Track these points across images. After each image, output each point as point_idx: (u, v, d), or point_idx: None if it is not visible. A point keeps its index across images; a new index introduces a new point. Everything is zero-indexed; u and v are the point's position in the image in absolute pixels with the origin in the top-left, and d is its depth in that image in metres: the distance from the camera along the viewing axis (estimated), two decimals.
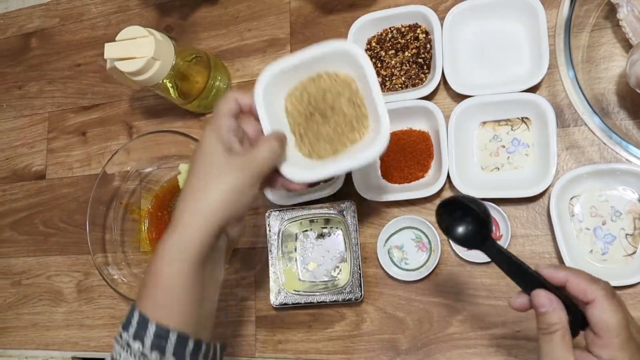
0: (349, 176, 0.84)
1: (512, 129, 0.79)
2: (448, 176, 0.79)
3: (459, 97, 0.80)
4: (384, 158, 0.85)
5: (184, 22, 1.01)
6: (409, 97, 0.81)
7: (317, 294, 0.84)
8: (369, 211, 0.85)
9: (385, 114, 0.63)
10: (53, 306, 1.02)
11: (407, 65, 0.85)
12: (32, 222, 1.06)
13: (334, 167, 0.65)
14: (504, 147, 0.80)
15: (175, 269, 0.57)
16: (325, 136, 0.66)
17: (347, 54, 0.64)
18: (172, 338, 0.57)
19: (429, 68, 0.84)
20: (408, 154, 0.83)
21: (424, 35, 0.84)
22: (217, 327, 0.89)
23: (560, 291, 0.54)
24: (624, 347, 0.50)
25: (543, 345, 0.53)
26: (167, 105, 0.99)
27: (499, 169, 0.79)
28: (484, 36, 0.82)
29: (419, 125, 0.84)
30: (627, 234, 0.74)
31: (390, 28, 0.87)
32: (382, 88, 0.85)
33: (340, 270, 0.85)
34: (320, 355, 0.85)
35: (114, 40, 0.82)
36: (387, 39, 0.87)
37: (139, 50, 0.80)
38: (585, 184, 0.75)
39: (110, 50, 0.82)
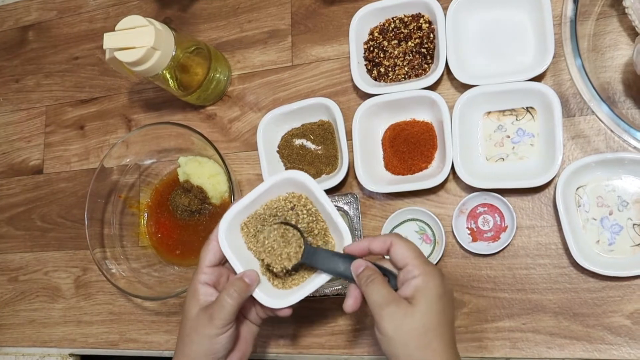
0: (352, 168, 0.83)
1: (517, 119, 0.78)
2: (452, 167, 0.78)
3: (463, 87, 0.79)
4: (387, 149, 0.84)
5: (183, 14, 1.00)
6: (412, 87, 0.80)
7: (320, 288, 0.82)
8: (372, 203, 0.84)
9: (344, 225, 0.67)
10: (50, 302, 1.01)
11: (410, 55, 0.84)
12: (30, 217, 1.05)
13: (306, 289, 0.68)
14: (508, 137, 0.79)
15: None
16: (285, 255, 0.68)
17: (292, 180, 0.69)
18: None
19: (432, 58, 0.83)
20: (411, 145, 0.82)
21: (427, 25, 0.83)
22: None
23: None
24: (425, 263, 0.61)
25: (369, 293, 0.61)
26: (166, 98, 0.98)
27: (503, 159, 0.78)
28: (488, 25, 0.81)
29: (423, 115, 0.83)
30: (634, 224, 0.73)
31: (393, 18, 0.86)
32: (385, 78, 0.85)
33: None
34: (323, 350, 0.84)
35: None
36: (390, 29, 0.85)
37: (139, 40, 0.79)
38: (591, 174, 0.74)
39: (110, 40, 0.80)
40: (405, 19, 0.85)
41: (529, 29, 0.79)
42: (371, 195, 0.84)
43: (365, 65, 0.86)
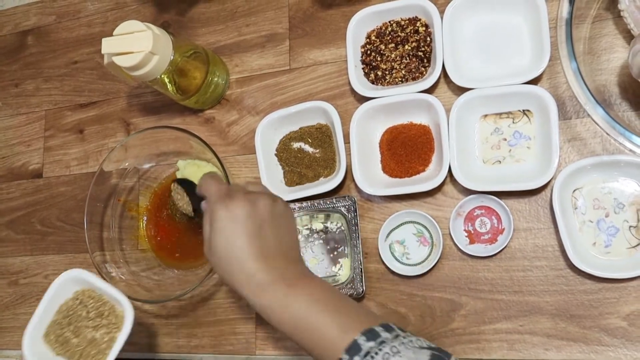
0: (349, 171, 0.83)
1: (513, 122, 0.79)
2: (449, 170, 0.78)
3: (460, 90, 0.80)
4: (385, 152, 0.84)
5: (181, 18, 1.00)
6: (409, 91, 0.81)
7: None
8: (369, 206, 0.84)
9: (121, 294, 0.80)
10: None
11: (407, 58, 0.84)
12: (29, 221, 1.05)
13: None
14: (505, 140, 0.79)
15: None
16: (89, 348, 0.81)
17: (70, 278, 0.83)
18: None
19: (429, 61, 0.83)
20: (409, 148, 0.82)
21: (424, 29, 0.84)
22: (216, 324, 0.89)
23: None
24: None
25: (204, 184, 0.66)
26: (165, 102, 0.98)
27: (500, 162, 0.79)
28: (484, 28, 0.81)
29: (420, 118, 0.83)
30: (630, 226, 0.73)
31: (390, 21, 0.86)
32: (382, 82, 0.85)
33: (341, 266, 0.84)
34: None
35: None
36: (387, 32, 0.86)
37: (137, 45, 0.79)
38: (587, 177, 0.75)
39: (108, 45, 0.81)
40: (402, 23, 0.85)
41: (525, 32, 0.79)
42: (369, 198, 0.84)
43: (363, 68, 0.86)
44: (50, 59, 1.09)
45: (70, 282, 0.82)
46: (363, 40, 0.87)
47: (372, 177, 0.83)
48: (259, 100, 0.93)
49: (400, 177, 0.83)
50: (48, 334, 0.82)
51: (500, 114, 0.79)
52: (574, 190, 0.75)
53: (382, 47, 0.86)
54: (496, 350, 0.76)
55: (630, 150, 0.67)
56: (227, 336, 0.89)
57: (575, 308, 0.74)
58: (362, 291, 0.80)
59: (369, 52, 0.86)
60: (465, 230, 0.79)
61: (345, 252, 0.84)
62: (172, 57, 0.83)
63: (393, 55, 0.85)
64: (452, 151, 0.78)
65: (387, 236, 0.82)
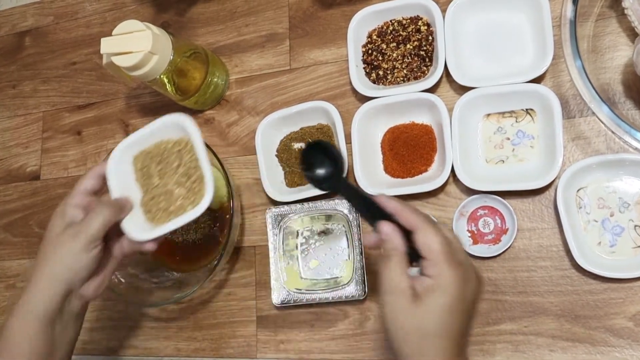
0: (351, 171, 0.83)
1: (516, 121, 0.78)
2: (452, 170, 0.77)
3: (462, 89, 0.79)
4: (387, 152, 0.83)
5: (180, 19, 0.99)
6: (411, 90, 0.80)
7: (320, 292, 0.82)
8: None
9: (211, 177, 0.68)
10: None
11: (409, 57, 0.84)
12: (27, 224, 1.04)
13: (167, 227, 0.69)
14: (508, 139, 0.78)
15: (24, 326, 0.64)
16: (162, 197, 0.71)
17: (181, 125, 0.70)
18: None
19: (431, 60, 0.83)
20: (411, 148, 0.82)
21: (425, 28, 0.83)
22: (216, 327, 0.88)
23: (402, 226, 0.59)
24: (448, 261, 0.55)
25: (382, 270, 0.57)
26: (164, 103, 0.97)
27: (503, 161, 0.78)
28: (486, 27, 0.81)
29: (422, 118, 0.82)
30: (635, 225, 0.72)
31: (391, 20, 0.85)
32: (384, 81, 0.84)
33: (343, 267, 0.83)
34: (324, 355, 0.83)
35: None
36: (389, 31, 0.85)
37: (136, 45, 0.78)
38: (592, 176, 0.74)
39: (107, 45, 0.80)
40: (404, 22, 0.84)
41: (527, 30, 0.79)
42: None
43: (364, 68, 0.86)
44: (48, 60, 1.08)
45: (179, 127, 0.71)
46: (364, 40, 0.86)
47: (374, 178, 0.82)
48: (259, 101, 0.92)
49: (403, 178, 0.82)
50: (138, 157, 0.73)
51: (503, 113, 0.79)
52: (578, 190, 0.75)
53: (384, 46, 0.85)
54: (500, 351, 0.76)
55: (635, 149, 0.67)
56: (228, 339, 0.88)
57: (580, 308, 0.74)
58: (364, 293, 0.79)
59: (370, 51, 0.85)
60: (468, 230, 0.78)
61: (347, 253, 0.83)
62: (171, 57, 0.82)
63: (394, 55, 0.84)
64: (455, 151, 0.77)
65: None
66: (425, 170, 0.81)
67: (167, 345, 0.91)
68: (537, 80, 0.77)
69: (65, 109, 1.05)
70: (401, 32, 0.84)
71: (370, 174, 0.82)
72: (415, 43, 0.83)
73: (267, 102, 0.91)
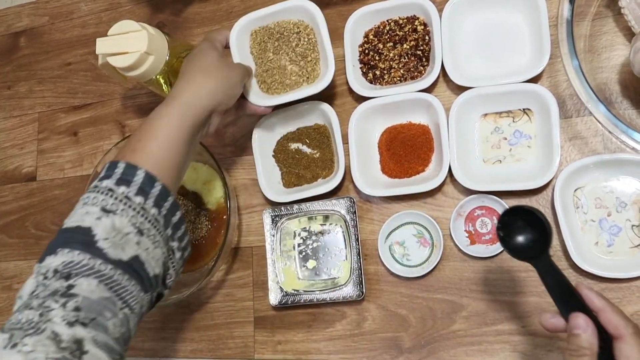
0: (348, 172, 0.83)
1: (513, 121, 0.78)
2: (449, 170, 0.77)
3: (459, 89, 0.79)
4: (384, 152, 0.83)
5: (176, 19, 0.99)
6: (408, 90, 0.80)
7: (317, 292, 0.82)
8: (368, 207, 0.83)
9: (332, 59, 0.79)
10: None
11: (406, 57, 0.83)
12: (23, 225, 1.03)
13: (285, 97, 0.81)
14: (505, 139, 0.78)
15: (174, 131, 0.65)
16: (275, 71, 0.83)
17: (305, 9, 0.81)
18: (157, 188, 0.61)
19: (428, 60, 0.83)
20: (408, 148, 0.82)
21: (422, 27, 0.83)
22: (214, 328, 0.88)
23: (597, 320, 0.53)
24: None
25: None
26: (160, 103, 0.97)
27: (501, 161, 0.78)
28: (483, 27, 0.81)
29: (419, 118, 0.82)
30: (633, 225, 0.72)
31: (388, 20, 0.85)
32: (380, 81, 0.84)
33: (341, 268, 0.83)
34: (321, 355, 0.83)
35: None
36: (385, 31, 0.85)
37: (132, 45, 0.78)
38: (589, 175, 0.74)
39: (102, 46, 0.80)
40: (400, 22, 0.84)
41: (524, 30, 0.78)
42: (368, 199, 0.83)
43: (361, 68, 0.86)
44: (43, 61, 1.08)
45: (302, 11, 0.81)
46: (361, 40, 0.86)
47: (371, 178, 0.82)
48: None
49: (400, 178, 0.82)
50: (258, 32, 0.84)
51: (500, 113, 0.79)
52: (576, 190, 0.74)
53: (381, 46, 0.85)
54: (498, 352, 0.76)
55: (633, 149, 0.67)
56: (225, 340, 0.88)
57: None
58: (362, 293, 0.79)
59: (367, 51, 0.85)
60: (466, 230, 0.78)
61: (345, 254, 0.83)
62: (167, 58, 0.81)
63: (391, 55, 0.84)
64: (452, 151, 0.77)
65: (387, 237, 0.81)
66: (423, 171, 0.81)
67: (165, 346, 0.91)
68: (534, 80, 0.76)
69: (61, 109, 1.05)
70: (398, 32, 0.84)
71: (368, 175, 0.82)
72: (412, 43, 0.83)
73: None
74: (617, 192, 0.73)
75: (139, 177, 0.60)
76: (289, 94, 0.81)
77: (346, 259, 0.82)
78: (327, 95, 0.87)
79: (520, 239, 0.60)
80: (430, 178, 0.79)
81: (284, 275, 0.84)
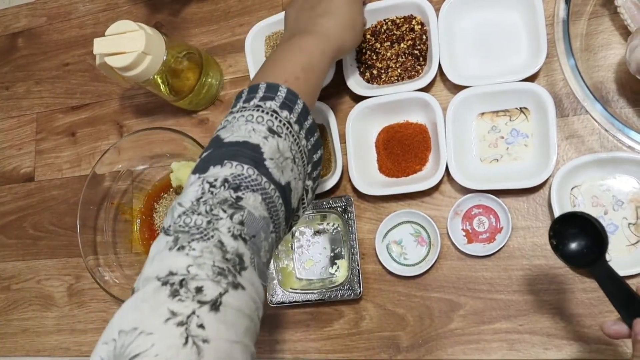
0: (345, 171, 0.83)
1: (510, 120, 0.78)
2: (446, 169, 0.77)
3: (456, 88, 0.79)
4: (381, 151, 0.83)
5: (174, 19, 0.99)
6: (406, 89, 0.80)
7: (315, 292, 0.82)
8: (366, 206, 0.84)
9: (437, 57, 0.79)
10: (43, 311, 1.00)
11: (403, 57, 0.83)
12: (21, 226, 1.04)
13: None
14: (502, 138, 0.78)
15: (322, 58, 0.67)
16: None
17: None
18: (309, 121, 0.62)
19: (425, 60, 0.83)
20: (405, 147, 0.82)
21: (419, 27, 0.83)
22: None
23: None
24: None
25: None
26: (158, 103, 0.97)
27: (498, 160, 0.78)
28: (480, 26, 0.81)
29: (416, 117, 0.82)
30: (629, 223, 0.73)
31: (385, 20, 0.85)
32: (377, 80, 0.84)
33: (338, 267, 0.83)
34: (319, 355, 0.83)
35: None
36: (382, 30, 0.85)
37: (129, 45, 0.78)
38: (586, 174, 0.74)
39: (100, 46, 0.80)
40: (397, 21, 0.84)
41: (521, 29, 0.79)
42: (365, 198, 0.83)
43: (358, 67, 0.86)
44: (41, 61, 1.08)
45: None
46: None
47: (369, 177, 0.82)
48: None
49: (397, 177, 0.82)
50: (271, 37, 0.88)
51: (497, 111, 0.79)
52: (573, 188, 0.75)
53: (378, 45, 0.85)
54: (496, 350, 0.76)
55: (629, 147, 0.67)
56: None
57: (575, 307, 0.74)
58: (360, 292, 0.79)
59: (364, 50, 0.85)
60: (463, 229, 0.78)
61: (342, 253, 0.83)
62: (165, 58, 0.82)
63: (389, 54, 0.84)
64: (449, 150, 0.77)
65: (385, 236, 0.81)
66: (420, 170, 0.81)
67: None
68: (531, 79, 0.77)
69: (59, 110, 1.05)
70: (395, 32, 0.84)
71: (365, 174, 0.82)
72: (409, 42, 0.83)
73: None
74: (613, 190, 0.73)
75: (299, 106, 0.60)
76: None
77: (344, 258, 0.83)
78: (324, 95, 0.88)
79: (575, 245, 0.59)
80: (427, 177, 0.79)
81: (281, 274, 0.84)
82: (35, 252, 1.02)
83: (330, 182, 0.82)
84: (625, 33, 0.75)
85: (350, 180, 0.82)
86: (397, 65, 0.84)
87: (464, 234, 0.78)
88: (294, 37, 0.69)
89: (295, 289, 0.83)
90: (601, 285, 0.57)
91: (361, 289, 0.79)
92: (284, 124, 0.58)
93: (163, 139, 0.90)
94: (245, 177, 0.53)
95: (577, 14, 0.76)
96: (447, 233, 0.78)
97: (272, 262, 0.84)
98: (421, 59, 0.83)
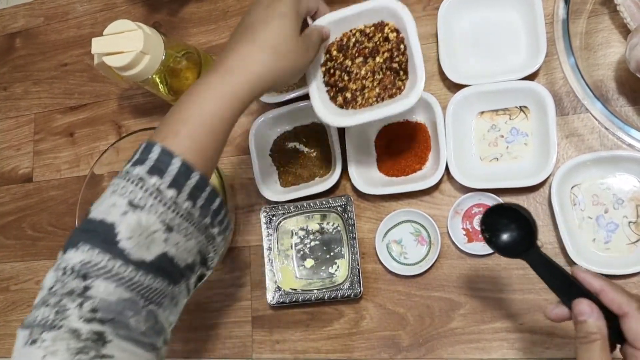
0: (345, 170, 0.83)
1: (510, 118, 0.78)
2: (446, 168, 0.77)
3: (456, 87, 0.79)
4: (380, 151, 0.83)
5: (172, 19, 0.99)
6: (387, 113, 0.69)
7: (315, 291, 0.82)
8: (366, 205, 0.83)
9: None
10: None
11: (380, 73, 0.71)
12: (20, 226, 1.03)
13: (288, 95, 0.81)
14: (502, 136, 0.78)
15: (222, 111, 0.58)
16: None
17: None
18: (194, 179, 0.55)
19: (406, 73, 0.70)
20: (405, 146, 0.82)
21: (394, 34, 0.71)
22: (212, 328, 0.88)
23: (600, 303, 0.53)
24: None
25: (582, 355, 0.52)
26: (156, 103, 0.97)
27: (498, 159, 0.78)
28: (480, 25, 0.81)
29: (416, 116, 0.82)
30: (630, 222, 0.72)
31: (351, 31, 0.72)
32: (353, 104, 0.73)
33: (338, 266, 0.83)
34: (319, 355, 0.83)
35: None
36: (351, 44, 0.72)
37: (128, 44, 0.78)
38: (586, 173, 0.74)
39: (98, 45, 0.79)
40: (367, 30, 0.72)
41: (520, 28, 0.79)
42: (365, 197, 0.83)
43: (328, 92, 0.73)
44: (39, 62, 1.07)
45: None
46: (322, 58, 0.74)
47: (368, 176, 0.82)
48: None
49: (397, 176, 0.82)
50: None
51: (497, 110, 0.79)
52: (573, 187, 0.75)
53: (348, 63, 0.72)
54: (496, 349, 0.76)
55: (629, 145, 0.67)
56: (223, 340, 0.88)
57: None
58: (360, 292, 0.79)
59: (332, 71, 0.73)
60: (463, 228, 0.78)
61: (342, 252, 0.83)
62: (163, 57, 0.81)
63: (363, 72, 0.72)
64: (449, 149, 0.77)
65: (384, 236, 0.81)
66: (420, 169, 0.81)
67: None
68: (531, 77, 0.77)
69: (57, 110, 1.04)
70: (366, 44, 0.72)
71: (365, 173, 0.82)
72: (386, 55, 0.71)
73: (260, 101, 0.91)
74: (614, 189, 0.73)
75: (174, 166, 0.54)
76: (290, 93, 0.83)
77: (344, 257, 0.82)
78: None
79: (506, 237, 0.60)
80: (427, 176, 0.79)
81: (281, 274, 0.84)
82: (34, 253, 1.01)
83: (329, 182, 0.82)
84: (625, 31, 0.75)
85: (350, 180, 0.82)
86: (375, 84, 0.72)
87: (464, 233, 0.78)
88: (208, 71, 0.61)
89: (295, 289, 0.83)
90: (537, 273, 0.58)
91: (361, 288, 0.79)
92: (151, 193, 0.53)
93: None
94: (95, 265, 0.51)
95: (577, 12, 0.76)
96: (447, 232, 0.78)
97: (272, 262, 0.84)
98: (401, 72, 0.71)
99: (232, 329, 0.87)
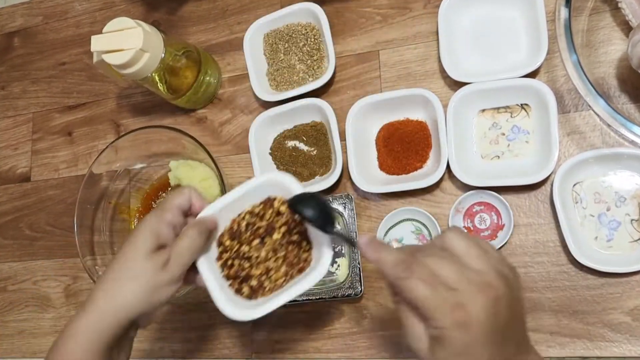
0: (345, 169, 0.82)
1: (511, 116, 0.78)
2: (447, 166, 0.77)
3: (457, 85, 0.79)
4: (381, 149, 0.83)
5: (172, 17, 0.98)
6: (302, 290, 0.62)
7: (315, 290, 0.81)
8: (366, 204, 0.83)
9: (333, 54, 0.82)
10: (40, 312, 0.99)
11: (282, 249, 0.64)
12: (18, 226, 1.03)
13: (288, 93, 0.85)
14: (503, 134, 0.78)
15: (87, 352, 0.57)
16: (285, 70, 0.87)
17: (309, 9, 0.84)
18: None
19: (308, 242, 0.64)
20: (405, 145, 0.81)
21: (285, 207, 0.64)
22: (212, 328, 0.87)
23: None
24: (444, 313, 0.49)
25: (382, 260, 0.52)
26: (155, 102, 0.96)
27: (499, 157, 0.78)
28: (480, 22, 0.80)
29: (416, 114, 0.82)
30: (632, 220, 0.72)
31: (239, 215, 0.65)
32: (262, 291, 0.64)
33: (339, 265, 0.82)
34: (320, 354, 0.82)
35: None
36: (242, 228, 0.65)
37: (127, 42, 0.77)
38: (588, 170, 0.74)
39: (97, 43, 0.79)
40: (256, 210, 0.65)
41: (521, 25, 0.78)
42: (366, 196, 0.83)
43: (231, 285, 0.64)
44: (37, 61, 1.07)
45: (314, 14, 0.85)
46: (215, 252, 0.64)
47: (369, 175, 0.82)
48: (251, 99, 0.91)
49: (398, 174, 0.81)
50: (269, 35, 0.89)
51: (498, 108, 0.78)
52: (575, 185, 0.74)
53: (245, 249, 0.64)
54: None
55: (632, 142, 0.66)
56: (223, 340, 0.87)
57: (577, 304, 0.73)
58: (361, 291, 0.79)
59: (229, 262, 0.64)
60: (464, 226, 0.78)
61: (343, 251, 0.82)
62: (163, 55, 0.81)
63: (263, 254, 0.64)
64: (450, 147, 0.76)
65: (385, 234, 0.81)
66: (421, 167, 0.81)
67: (162, 346, 0.90)
68: (532, 75, 0.76)
69: (56, 109, 1.04)
70: (259, 223, 0.64)
71: (365, 171, 0.82)
72: (283, 229, 0.64)
73: (260, 100, 0.91)
74: (616, 186, 0.73)
75: None
76: (290, 91, 0.85)
77: (344, 256, 0.82)
78: (324, 93, 0.87)
79: (312, 214, 0.59)
80: (428, 174, 0.78)
81: None
82: (31, 253, 1.01)
83: (330, 180, 0.81)
84: (627, 28, 0.75)
85: (350, 178, 0.81)
86: (280, 263, 0.64)
87: (465, 231, 0.78)
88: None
89: None
90: (308, 219, 0.58)
91: (362, 287, 0.79)
92: None
93: (161, 138, 0.89)
94: None
95: (578, 9, 0.75)
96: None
97: None
98: (304, 243, 0.64)
99: (232, 329, 0.87)
